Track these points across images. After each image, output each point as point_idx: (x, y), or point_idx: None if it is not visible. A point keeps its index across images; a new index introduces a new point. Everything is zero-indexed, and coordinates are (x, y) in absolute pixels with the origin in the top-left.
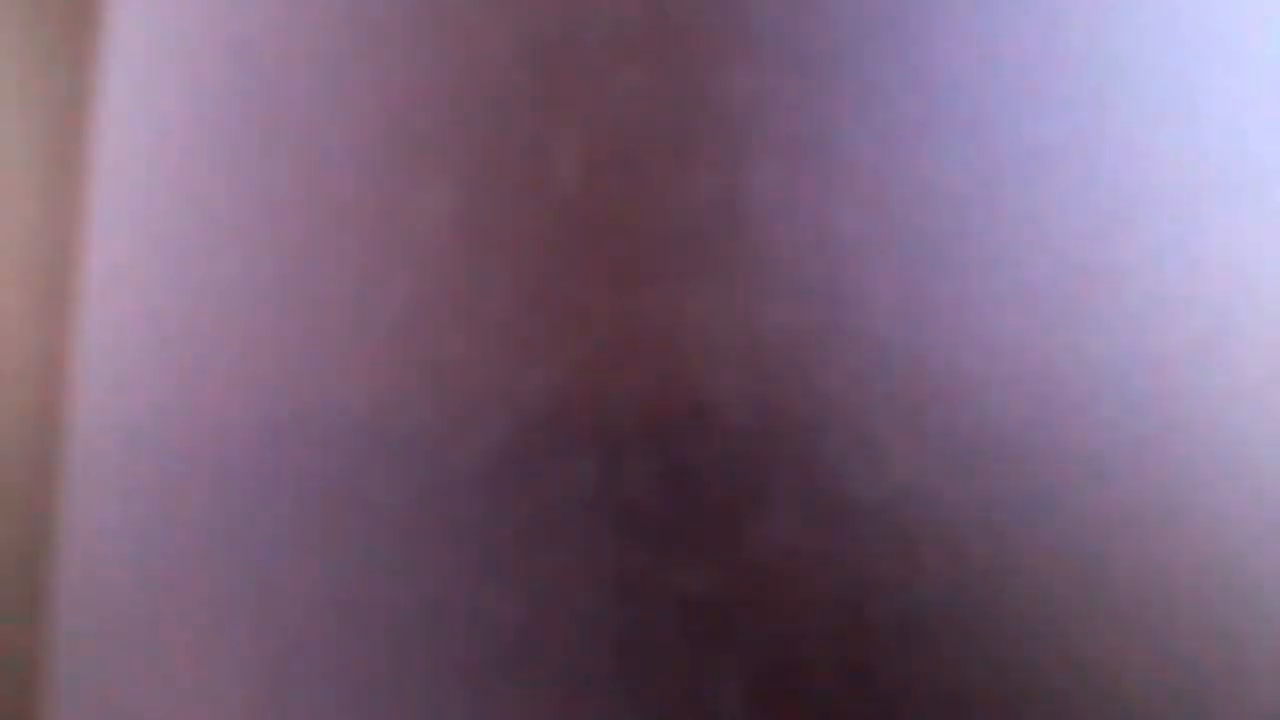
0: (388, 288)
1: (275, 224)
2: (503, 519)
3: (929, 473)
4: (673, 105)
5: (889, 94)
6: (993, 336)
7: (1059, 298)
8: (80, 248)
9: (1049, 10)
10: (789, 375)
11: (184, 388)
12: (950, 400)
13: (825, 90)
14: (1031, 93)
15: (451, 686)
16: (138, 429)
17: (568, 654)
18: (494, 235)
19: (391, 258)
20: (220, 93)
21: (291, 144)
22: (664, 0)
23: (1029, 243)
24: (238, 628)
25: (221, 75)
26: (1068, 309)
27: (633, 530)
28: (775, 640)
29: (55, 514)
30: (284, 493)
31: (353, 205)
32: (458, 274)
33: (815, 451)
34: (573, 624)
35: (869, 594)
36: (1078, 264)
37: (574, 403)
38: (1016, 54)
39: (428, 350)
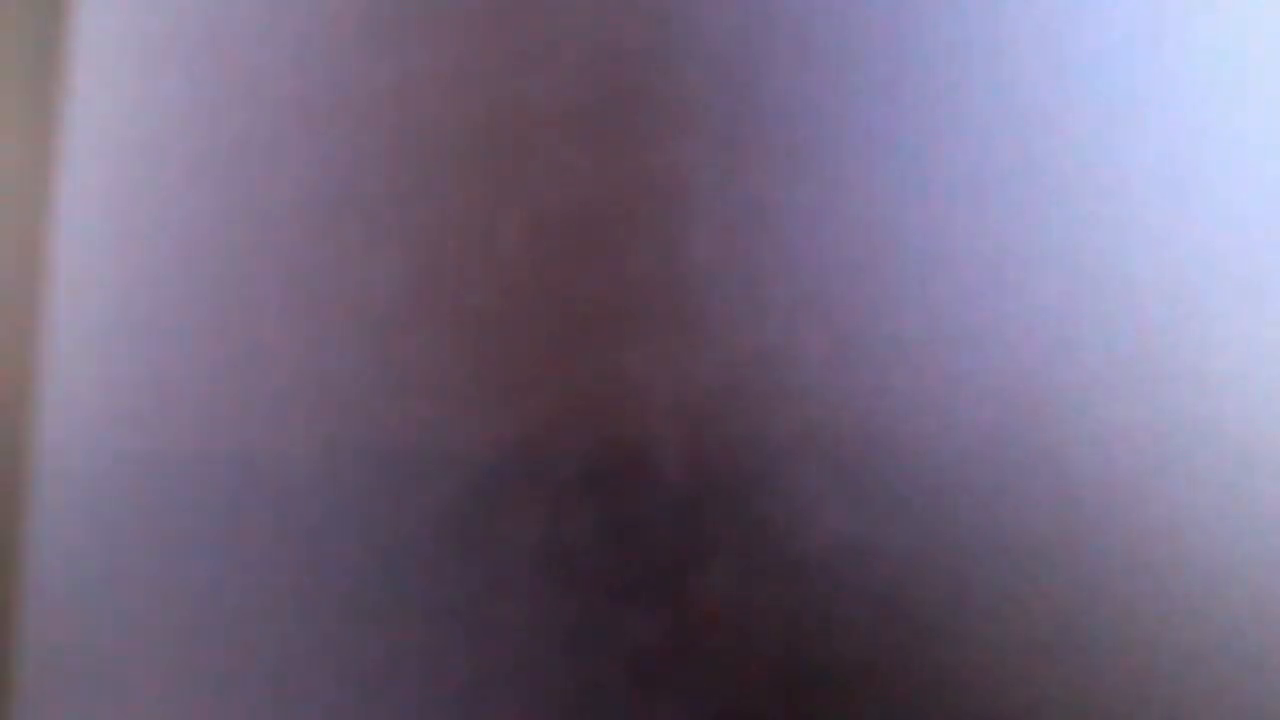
0: (338, 347)
1: (222, 272)
2: (452, 573)
3: (861, 524)
4: (612, 179)
5: (813, 163)
6: (920, 391)
7: (982, 352)
8: (45, 281)
9: (967, 76)
10: (726, 433)
11: (136, 427)
12: (880, 454)
13: (754, 161)
14: (938, 166)
15: None
16: (99, 469)
17: (517, 703)
18: (442, 301)
19: (341, 319)
20: (176, 129)
21: (242, 193)
22: (605, 80)
23: (950, 298)
24: (197, 674)
25: (177, 110)
26: (989, 364)
27: (577, 582)
28: (719, 687)
29: (18, 541)
30: (237, 547)
31: (303, 264)
32: (407, 337)
33: (752, 505)
34: (521, 673)
35: (806, 642)
36: (995, 315)
37: (519, 461)
38: (935, 115)
39: (378, 410)
